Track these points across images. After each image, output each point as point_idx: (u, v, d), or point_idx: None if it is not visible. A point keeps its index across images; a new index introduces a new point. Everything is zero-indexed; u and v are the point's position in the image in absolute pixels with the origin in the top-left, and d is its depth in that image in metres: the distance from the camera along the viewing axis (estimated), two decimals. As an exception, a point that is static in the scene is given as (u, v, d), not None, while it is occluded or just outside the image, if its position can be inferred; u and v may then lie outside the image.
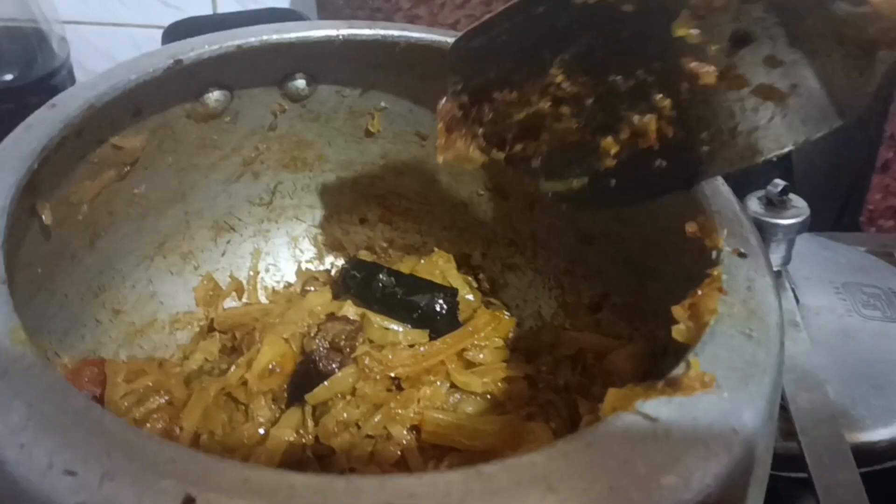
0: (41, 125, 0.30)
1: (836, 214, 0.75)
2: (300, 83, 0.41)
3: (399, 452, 0.34)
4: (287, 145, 0.44)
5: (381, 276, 0.39)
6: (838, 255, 0.55)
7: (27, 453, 0.20)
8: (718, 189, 0.31)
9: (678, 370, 0.25)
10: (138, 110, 0.36)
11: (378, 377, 0.35)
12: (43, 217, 0.33)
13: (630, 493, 0.21)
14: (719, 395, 0.24)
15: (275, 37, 0.37)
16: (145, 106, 0.36)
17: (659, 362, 0.41)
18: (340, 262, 0.48)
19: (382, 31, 0.38)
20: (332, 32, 0.38)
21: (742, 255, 0.28)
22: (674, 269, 0.38)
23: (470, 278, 0.45)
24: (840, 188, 0.76)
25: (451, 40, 0.39)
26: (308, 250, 0.48)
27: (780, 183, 0.48)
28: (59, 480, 0.19)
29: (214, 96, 0.39)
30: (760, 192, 0.48)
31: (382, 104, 0.43)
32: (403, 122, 0.44)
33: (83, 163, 0.35)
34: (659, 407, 0.23)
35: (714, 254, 0.29)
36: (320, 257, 0.48)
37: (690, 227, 0.30)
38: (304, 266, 0.47)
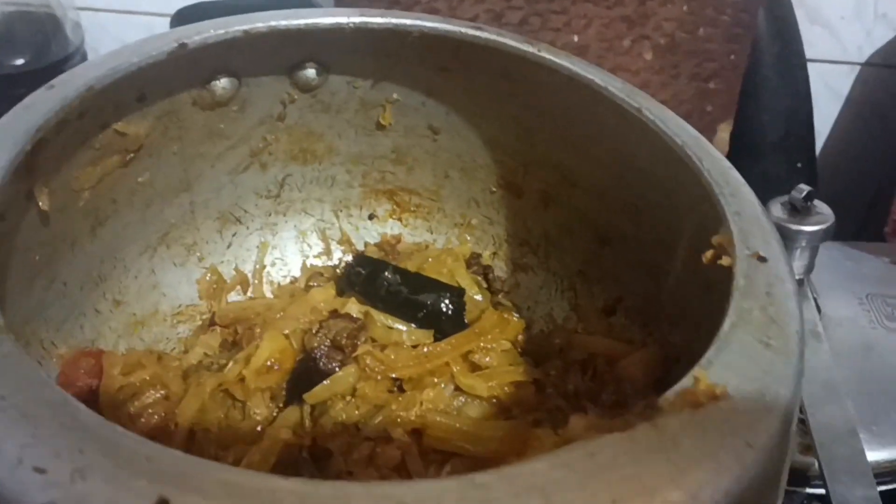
0: (38, 106, 0.29)
1: (861, 224, 0.73)
2: (310, 72, 0.40)
3: (399, 456, 0.33)
4: (296, 136, 0.43)
5: (386, 273, 0.38)
6: (862, 266, 0.53)
7: (-4, 447, 0.19)
8: (740, 191, 0.30)
9: (687, 381, 0.23)
10: (142, 95, 0.35)
11: (379, 378, 0.34)
12: (40, 202, 0.32)
13: (634, 509, 0.20)
14: (733, 406, 0.22)
15: (283, 23, 0.36)
16: (150, 91, 0.36)
17: (672, 368, 0.40)
18: (349, 257, 0.47)
19: (395, 20, 0.37)
20: (343, 20, 0.37)
21: (762, 260, 0.27)
22: (690, 276, 0.37)
23: (479, 278, 0.44)
24: (865, 197, 0.74)
25: (465, 30, 0.38)
26: (316, 245, 0.47)
27: (804, 188, 0.46)
28: (29, 477, 0.18)
29: (222, 84, 0.38)
30: (784, 198, 0.47)
31: (395, 96, 0.42)
32: (416, 116, 0.43)
33: (85, 148, 0.34)
34: (667, 418, 0.21)
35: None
36: (328, 252, 0.47)
37: (717, 239, 0.28)
38: (311, 261, 0.46)
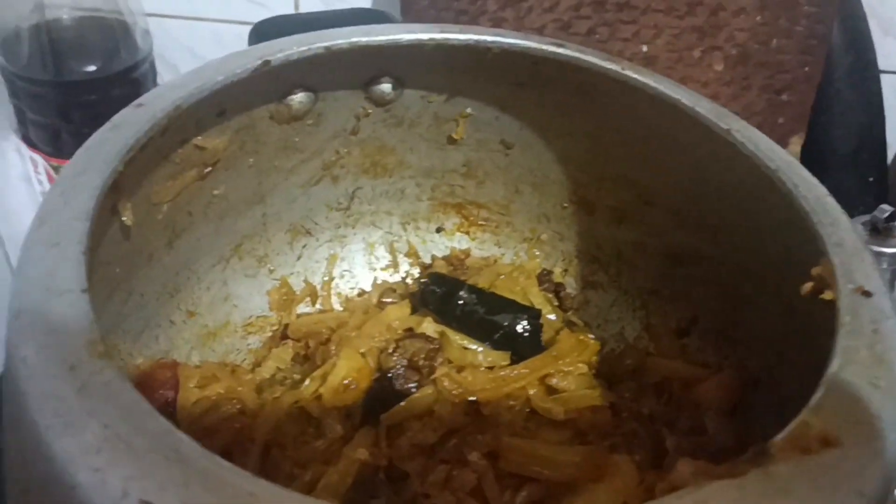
0: (127, 125, 0.29)
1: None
2: (385, 87, 0.40)
3: (475, 479, 0.32)
4: (368, 150, 0.43)
5: (461, 293, 0.37)
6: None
7: (101, 478, 0.19)
8: (839, 220, 0.29)
9: (793, 427, 0.22)
10: (223, 111, 0.35)
11: (456, 400, 0.34)
12: (124, 218, 0.32)
13: (746, 562, 0.19)
14: (843, 452, 0.21)
15: (364, 39, 0.36)
16: (230, 106, 0.36)
17: (749, 395, 0.39)
18: (416, 270, 0.47)
19: (475, 37, 0.37)
20: (423, 36, 0.36)
21: (867, 295, 0.26)
22: (771, 300, 0.36)
23: (550, 295, 0.43)
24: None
25: (546, 47, 0.37)
26: (383, 258, 0.47)
27: (887, 209, 0.45)
28: (135, 510, 0.18)
29: (299, 98, 0.38)
30: (865, 218, 0.45)
31: (468, 110, 0.42)
32: (489, 130, 0.42)
33: (165, 163, 0.34)
34: (778, 465, 0.21)
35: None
36: (395, 265, 0.47)
37: (817, 271, 0.27)
38: (378, 273, 0.46)
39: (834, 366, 0.24)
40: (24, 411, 0.21)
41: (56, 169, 0.58)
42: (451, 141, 0.43)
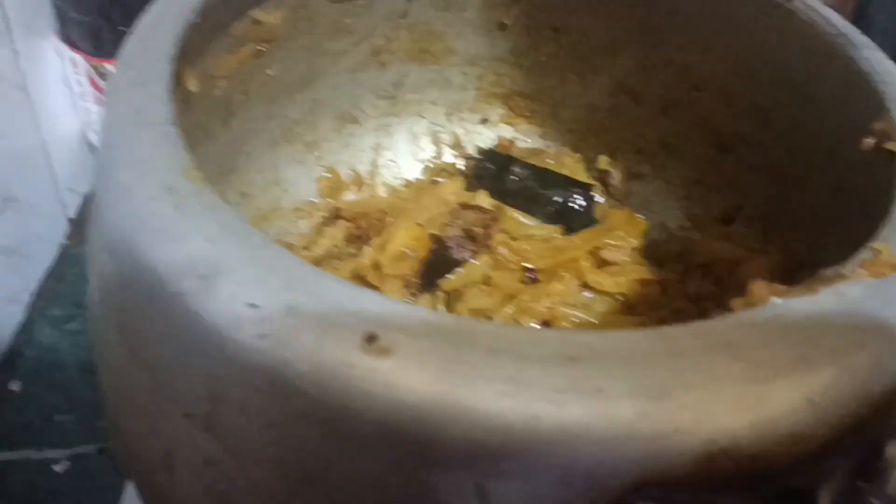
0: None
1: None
2: (438, -33, 0.40)
3: (530, 344, 0.33)
4: (416, 35, 0.43)
5: (515, 168, 0.38)
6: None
7: (208, 285, 0.20)
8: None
9: (865, 254, 0.23)
10: (279, -16, 0.36)
11: (513, 268, 0.35)
12: (189, 86, 0.33)
13: (820, 366, 0.20)
14: (912, 280, 0.22)
15: (420, -88, 0.36)
16: (286, -20, 0.36)
17: (795, 276, 0.40)
18: (460, 162, 0.47)
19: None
20: None
21: (931, 146, 0.26)
22: (820, 178, 0.36)
23: (596, 183, 0.44)
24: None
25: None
26: (427, 148, 0.47)
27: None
28: (242, 311, 0.19)
29: (353, -26, 0.38)
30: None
31: (519, -7, 0.42)
32: (538, 14, 0.42)
33: (224, 35, 0.35)
34: (851, 285, 0.21)
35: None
36: (439, 156, 0.47)
37: (878, 126, 0.28)
38: (425, 164, 0.47)
39: (900, 204, 0.24)
40: (122, 232, 0.22)
41: (96, 69, 0.58)
42: (500, 27, 0.43)
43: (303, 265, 0.20)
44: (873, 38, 0.66)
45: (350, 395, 0.18)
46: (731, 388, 0.19)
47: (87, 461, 0.47)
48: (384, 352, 0.18)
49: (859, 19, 0.63)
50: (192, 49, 0.32)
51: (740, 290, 0.39)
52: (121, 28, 0.57)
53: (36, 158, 0.59)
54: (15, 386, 0.51)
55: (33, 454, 0.48)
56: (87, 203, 0.63)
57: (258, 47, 0.37)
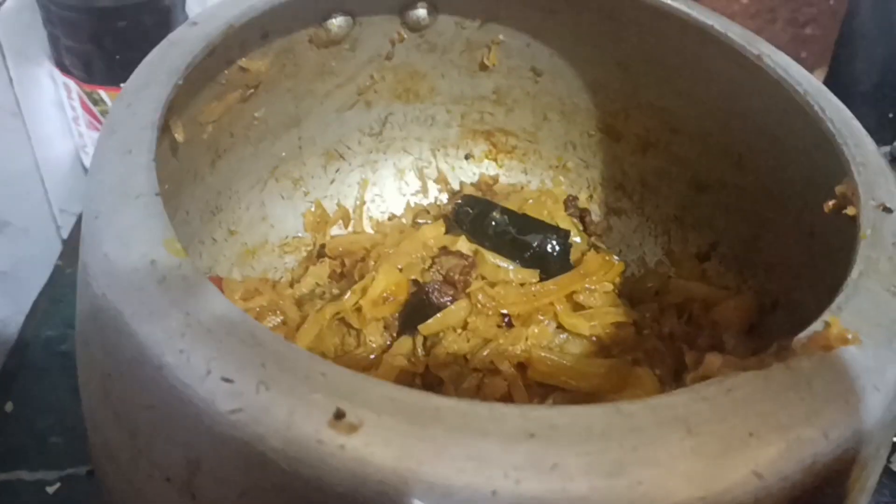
0: (184, 43, 0.30)
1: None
2: (421, 12, 0.40)
3: (506, 387, 0.35)
4: (401, 76, 0.44)
5: (494, 213, 0.39)
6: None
7: (186, 359, 0.21)
8: (863, 142, 0.30)
9: (817, 326, 0.24)
10: (266, 33, 0.36)
11: (490, 313, 0.36)
12: (175, 135, 0.34)
13: (769, 442, 0.21)
14: (862, 351, 0.23)
15: (403, -37, 0.37)
16: (273, 29, 0.37)
17: (767, 316, 0.41)
18: (444, 196, 0.48)
19: (511, -38, 0.37)
20: (460, -39, 0.37)
21: (888, 211, 0.27)
22: (792, 223, 0.37)
23: (576, 220, 0.45)
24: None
25: (581, -26, 0.38)
26: (413, 183, 0.48)
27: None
28: (217, 386, 0.20)
29: (338, 22, 0.39)
30: (885, 149, 0.46)
31: (500, 37, 0.43)
32: (519, 57, 0.43)
33: (212, 83, 0.36)
34: (800, 360, 0.22)
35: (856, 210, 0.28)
36: (424, 190, 0.49)
37: (840, 189, 0.29)
38: (409, 198, 0.48)
39: (854, 273, 0.25)
40: (106, 302, 0.23)
41: (89, 95, 0.59)
42: (483, 68, 0.44)
43: (278, 341, 0.21)
44: (858, 67, 0.67)
45: (320, 469, 0.19)
46: (684, 463, 0.20)
47: (79, 483, 0.48)
48: (352, 428, 0.19)
49: (844, 48, 0.64)
50: (179, 101, 0.33)
51: (713, 330, 0.41)
52: (113, 55, 0.58)
53: (30, 181, 0.59)
54: (8, 408, 0.52)
55: (26, 475, 0.49)
56: (80, 224, 0.64)
57: (245, 92, 0.38)
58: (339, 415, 0.20)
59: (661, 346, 0.39)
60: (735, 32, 0.34)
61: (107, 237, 0.23)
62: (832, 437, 0.21)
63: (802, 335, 0.23)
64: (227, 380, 0.20)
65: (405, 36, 0.42)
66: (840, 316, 0.24)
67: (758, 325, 0.40)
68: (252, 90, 0.39)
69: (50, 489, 0.48)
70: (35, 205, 0.61)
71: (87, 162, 0.63)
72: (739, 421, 0.21)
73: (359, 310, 0.36)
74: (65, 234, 0.63)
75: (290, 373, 0.20)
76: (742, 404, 0.21)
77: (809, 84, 0.32)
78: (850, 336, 0.23)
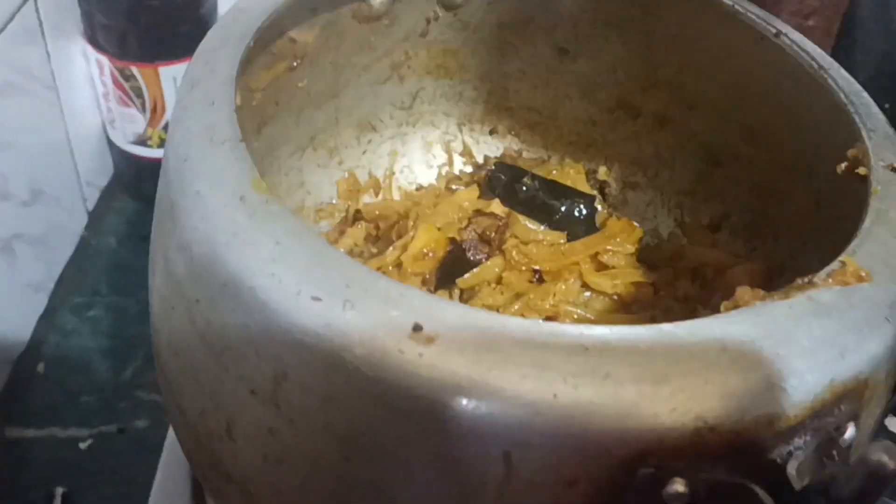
0: (252, 9, 0.33)
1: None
2: (457, -8, 0.43)
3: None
4: (434, 52, 0.47)
5: (525, 179, 0.42)
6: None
7: (277, 281, 0.23)
8: (872, 111, 0.33)
9: (833, 266, 0.27)
10: (314, 7, 0.39)
11: (523, 269, 0.38)
12: (235, 100, 0.36)
13: (794, 361, 0.23)
14: (874, 287, 0.26)
15: (444, -57, 0.39)
16: (320, 3, 0.39)
17: (776, 279, 0.43)
18: (469, 169, 0.51)
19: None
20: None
21: (895, 170, 0.30)
22: (801, 193, 0.40)
23: (595, 192, 0.47)
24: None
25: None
26: (440, 156, 0.51)
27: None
28: (307, 304, 0.23)
29: (380, -3, 0.41)
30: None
31: (529, 17, 0.45)
32: (546, 37, 0.46)
33: (264, 53, 0.38)
34: (821, 291, 0.25)
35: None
36: (450, 164, 0.51)
37: (852, 152, 0.31)
38: (435, 171, 0.50)
39: (867, 222, 0.28)
40: (200, 234, 0.25)
41: (121, 71, 0.61)
42: (511, 46, 0.47)
43: (358, 266, 0.24)
44: (856, 57, 0.70)
45: (400, 375, 0.22)
46: (719, 375, 0.23)
47: (110, 440, 0.50)
48: (429, 340, 0.22)
49: (844, 38, 0.67)
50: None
51: (725, 292, 0.43)
52: (146, 32, 0.60)
53: (61, 153, 0.62)
54: (40, 368, 0.54)
55: (59, 432, 0.51)
56: (105, 197, 0.67)
57: (292, 63, 0.41)
58: (418, 328, 0.22)
59: (676, 305, 0.42)
60: (755, 12, 0.37)
61: (198, 177, 0.26)
62: (848, 360, 0.24)
63: (822, 272, 0.26)
64: (316, 298, 0.23)
65: (440, 14, 0.44)
66: (855, 257, 0.26)
67: (766, 289, 0.43)
68: (298, 61, 0.41)
69: (83, 445, 0.50)
70: (65, 176, 0.63)
71: (113, 136, 0.65)
72: (768, 341, 0.24)
73: (399, 266, 0.39)
74: (90, 207, 0.66)
75: (372, 293, 0.23)
76: (770, 327, 0.24)
77: (823, 59, 0.35)
78: (864, 273, 0.26)
